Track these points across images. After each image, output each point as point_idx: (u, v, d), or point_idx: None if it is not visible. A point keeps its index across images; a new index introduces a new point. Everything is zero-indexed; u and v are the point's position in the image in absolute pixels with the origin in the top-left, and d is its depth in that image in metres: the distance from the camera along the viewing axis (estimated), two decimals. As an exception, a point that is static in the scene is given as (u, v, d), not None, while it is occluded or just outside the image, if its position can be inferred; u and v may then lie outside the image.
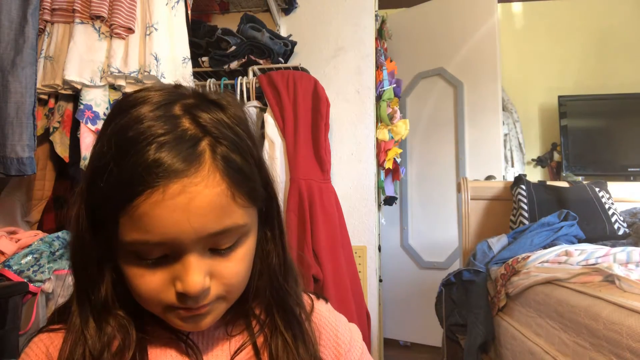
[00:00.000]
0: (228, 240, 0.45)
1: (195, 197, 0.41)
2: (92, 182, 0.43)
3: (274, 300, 0.53)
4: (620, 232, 1.65)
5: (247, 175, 0.45)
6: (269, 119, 1.80)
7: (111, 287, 0.47)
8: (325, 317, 0.57)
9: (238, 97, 1.84)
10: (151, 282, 0.44)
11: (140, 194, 0.40)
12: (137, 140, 0.41)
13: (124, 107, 0.44)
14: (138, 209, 0.40)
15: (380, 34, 2.51)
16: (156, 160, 0.40)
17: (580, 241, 1.58)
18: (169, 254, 0.43)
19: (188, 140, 0.42)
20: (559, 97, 3.19)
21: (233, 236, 0.45)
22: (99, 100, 1.36)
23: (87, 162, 1.31)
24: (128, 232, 0.42)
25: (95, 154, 0.44)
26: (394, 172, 2.37)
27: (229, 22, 2.26)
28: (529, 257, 1.36)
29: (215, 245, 0.44)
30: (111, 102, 1.38)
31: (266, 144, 1.77)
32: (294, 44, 2.08)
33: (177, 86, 0.49)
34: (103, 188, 0.42)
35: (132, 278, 0.44)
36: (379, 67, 2.31)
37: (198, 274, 0.43)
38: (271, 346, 0.51)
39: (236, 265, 0.46)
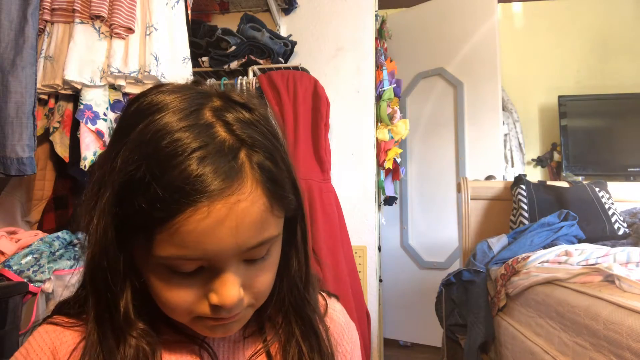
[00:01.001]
0: (263, 251, 0.45)
1: (240, 214, 0.40)
2: (123, 194, 0.41)
3: (292, 308, 0.53)
4: (620, 232, 1.65)
5: (281, 185, 0.45)
6: (269, 119, 1.80)
7: (131, 299, 0.45)
8: (341, 325, 0.58)
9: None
10: (185, 294, 0.43)
11: (183, 211, 0.39)
12: (174, 153, 0.39)
13: (146, 112, 0.42)
14: (180, 226, 0.39)
15: (380, 34, 2.51)
16: (199, 177, 0.39)
17: (580, 241, 1.58)
18: (206, 267, 0.42)
19: (227, 152, 0.41)
20: (559, 97, 3.19)
21: (267, 247, 0.45)
22: (99, 100, 1.36)
23: (87, 161, 1.31)
24: (165, 247, 0.40)
25: (124, 163, 0.41)
26: (394, 172, 2.37)
27: (229, 22, 2.26)
28: (529, 257, 1.36)
29: (251, 257, 0.44)
30: (111, 102, 1.38)
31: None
32: (294, 44, 2.08)
33: (196, 82, 0.49)
34: (138, 202, 0.39)
35: (163, 290, 0.43)
36: (379, 67, 2.31)
37: (235, 287, 0.43)
38: (287, 355, 0.51)
39: (266, 275, 0.47)
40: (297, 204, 0.49)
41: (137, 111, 0.43)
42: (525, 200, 1.82)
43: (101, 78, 1.36)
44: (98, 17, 1.35)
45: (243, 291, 0.44)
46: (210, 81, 1.90)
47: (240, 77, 1.88)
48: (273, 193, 0.43)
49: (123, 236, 0.42)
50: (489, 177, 2.32)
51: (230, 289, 0.42)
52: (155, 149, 0.39)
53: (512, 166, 3.19)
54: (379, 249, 2.31)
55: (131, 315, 0.45)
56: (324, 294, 0.59)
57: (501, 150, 2.75)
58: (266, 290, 0.48)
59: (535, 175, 3.37)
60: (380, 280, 2.39)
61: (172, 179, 0.38)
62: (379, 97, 2.28)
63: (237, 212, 0.40)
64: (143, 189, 0.39)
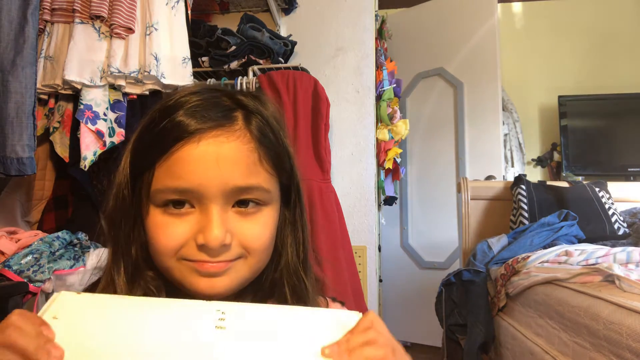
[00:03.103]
0: (251, 198, 0.47)
1: (226, 150, 0.46)
2: (138, 138, 0.49)
3: (291, 295, 0.52)
4: (620, 232, 1.65)
5: (274, 145, 0.49)
6: (269, 119, 1.80)
7: (141, 248, 0.49)
8: None
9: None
10: (174, 232, 0.46)
11: (179, 141, 0.45)
12: (180, 104, 0.47)
13: (171, 94, 0.51)
14: (174, 156, 0.45)
15: (380, 34, 2.51)
16: (195, 113, 0.46)
17: (580, 241, 1.58)
18: (196, 206, 0.46)
19: (225, 106, 0.48)
20: (559, 97, 3.19)
21: (257, 197, 0.48)
22: (99, 100, 1.36)
23: (87, 161, 1.31)
24: (162, 179, 0.46)
25: (144, 121, 0.49)
26: (394, 172, 2.37)
27: (229, 22, 2.26)
28: (529, 257, 1.36)
29: (239, 197, 0.47)
30: (111, 102, 1.38)
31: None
32: (294, 44, 2.08)
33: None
34: (146, 140, 0.48)
35: (156, 228, 0.46)
36: (379, 67, 2.31)
37: (220, 227, 0.45)
38: None
39: (258, 228, 0.48)
40: (291, 173, 0.53)
41: (165, 97, 0.52)
42: (525, 200, 1.82)
43: (101, 78, 1.36)
44: (98, 17, 1.35)
45: (232, 238, 0.46)
46: (210, 81, 1.90)
47: (240, 77, 1.88)
48: (263, 145, 0.48)
49: (135, 177, 0.49)
50: (489, 177, 2.32)
51: (215, 228, 0.44)
52: (166, 104, 0.48)
53: (512, 166, 3.19)
54: (379, 249, 2.31)
55: (140, 263, 0.49)
56: (328, 299, 0.59)
57: (501, 150, 2.75)
58: (260, 248, 0.48)
59: (535, 175, 3.37)
60: (380, 280, 2.39)
61: (173, 120, 0.46)
62: (379, 97, 2.28)
63: (224, 147, 0.46)
64: (150, 130, 0.47)
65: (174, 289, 0.49)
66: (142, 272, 0.49)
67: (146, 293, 0.48)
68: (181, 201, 0.46)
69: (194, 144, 0.45)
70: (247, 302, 0.48)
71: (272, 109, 0.52)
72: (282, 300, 0.52)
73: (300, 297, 0.52)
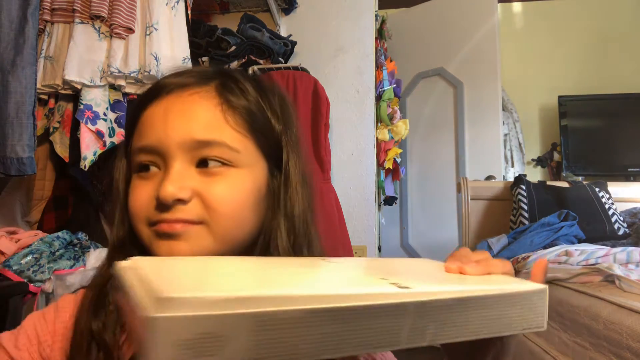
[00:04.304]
0: (215, 155, 0.44)
1: (188, 103, 0.45)
2: (127, 126, 0.50)
3: None
4: (620, 232, 1.65)
5: (250, 110, 0.47)
6: (269, 119, 1.80)
7: (128, 231, 0.48)
8: None
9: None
10: (140, 194, 0.45)
11: (150, 103, 0.46)
12: (162, 77, 0.49)
13: None
14: (144, 118, 0.46)
15: (380, 34, 2.51)
16: (170, 80, 0.47)
17: (580, 241, 1.58)
18: (161, 166, 0.45)
19: (201, 73, 0.48)
20: (559, 97, 3.19)
21: (221, 154, 0.45)
22: (99, 100, 1.36)
23: (87, 161, 1.31)
24: (134, 142, 0.47)
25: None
26: (394, 172, 2.37)
27: (229, 22, 2.26)
28: (529, 257, 1.36)
29: (201, 157, 0.44)
30: (111, 102, 1.38)
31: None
32: (294, 43, 2.08)
33: None
34: (133, 113, 0.48)
35: (131, 197, 0.46)
36: (379, 67, 2.31)
37: (175, 181, 0.43)
38: None
39: (223, 188, 0.44)
40: (278, 143, 0.50)
41: None
42: (525, 201, 1.82)
43: (101, 78, 1.36)
44: (98, 17, 1.35)
45: (190, 195, 0.43)
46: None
47: (240, 77, 1.88)
48: (230, 104, 0.46)
49: (127, 159, 0.49)
50: (489, 177, 2.32)
51: (169, 181, 0.43)
52: (150, 87, 0.49)
53: (512, 166, 3.19)
54: (379, 249, 2.31)
55: (126, 243, 0.48)
56: None
57: (501, 150, 2.75)
58: (221, 207, 0.44)
59: (535, 175, 3.37)
60: (380, 280, 2.38)
61: (149, 89, 0.48)
62: (379, 97, 2.28)
63: (186, 101, 0.45)
64: (134, 107, 0.49)
65: None
66: (126, 249, 0.48)
67: None
68: (150, 164, 0.46)
69: (160, 103, 0.46)
70: None
71: (272, 94, 0.51)
72: None
73: None
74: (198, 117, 0.45)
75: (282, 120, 0.50)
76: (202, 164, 0.45)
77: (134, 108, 0.49)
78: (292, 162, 0.50)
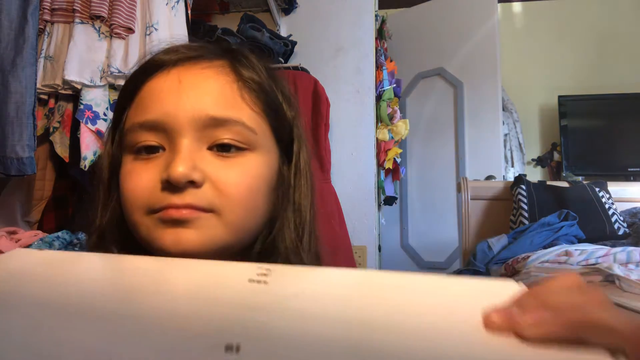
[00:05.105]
0: (230, 137, 0.40)
1: (200, 78, 0.40)
2: (119, 100, 0.45)
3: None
4: (620, 232, 1.65)
5: (264, 88, 0.43)
6: (269, 119, 1.80)
7: (110, 220, 0.44)
8: None
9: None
10: (141, 178, 0.40)
11: (152, 75, 0.41)
12: (166, 48, 0.45)
13: None
14: (142, 90, 0.41)
15: (380, 34, 2.51)
16: (175, 49, 0.42)
17: (580, 241, 1.58)
18: (166, 146, 0.40)
19: (210, 49, 0.44)
20: (559, 97, 3.19)
21: (237, 135, 0.40)
22: (99, 100, 1.36)
23: (87, 161, 1.31)
24: (132, 117, 0.41)
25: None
26: (394, 172, 2.37)
27: (229, 22, 2.26)
28: (529, 257, 1.36)
29: (216, 140, 0.40)
30: (111, 102, 1.38)
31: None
32: (294, 43, 2.08)
33: None
34: (129, 87, 0.43)
35: (124, 177, 0.41)
36: (379, 67, 2.31)
37: (187, 158, 0.38)
38: None
39: (237, 175, 0.40)
40: (290, 126, 0.46)
41: None
42: (525, 200, 1.82)
43: (101, 78, 1.36)
44: (98, 17, 1.35)
45: (203, 178, 0.39)
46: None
47: (240, 77, 1.88)
48: (246, 80, 0.42)
49: (116, 132, 0.44)
50: (489, 177, 2.32)
51: (180, 160, 0.38)
52: (149, 58, 0.44)
53: (512, 166, 3.19)
54: (379, 249, 2.31)
55: (106, 236, 0.44)
56: None
57: (501, 150, 2.75)
58: (237, 199, 0.40)
59: (535, 175, 3.37)
60: (380, 280, 2.38)
61: (147, 59, 0.43)
62: (379, 97, 2.28)
63: (198, 75, 0.41)
64: (130, 81, 0.43)
65: None
66: (106, 245, 0.43)
67: None
68: (155, 147, 0.40)
69: (165, 74, 0.41)
70: None
71: (282, 78, 0.48)
72: None
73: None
74: (213, 92, 0.40)
75: (294, 106, 0.47)
76: (217, 147, 0.40)
77: (130, 81, 0.43)
78: (302, 154, 0.47)
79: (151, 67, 0.42)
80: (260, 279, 0.29)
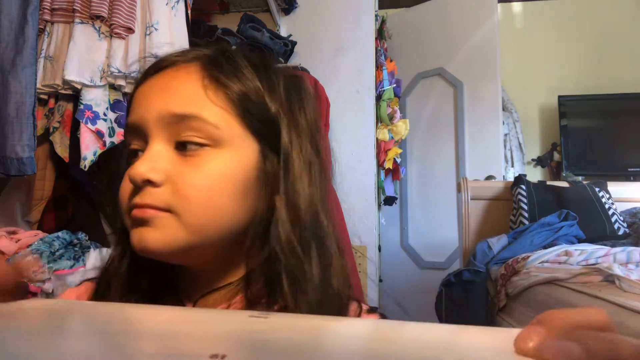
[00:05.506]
0: (192, 134, 0.41)
1: (170, 79, 0.44)
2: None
3: (289, 286, 0.41)
4: (620, 232, 1.65)
5: (233, 83, 0.43)
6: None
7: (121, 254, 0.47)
8: None
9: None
10: (126, 179, 0.42)
11: (142, 83, 0.45)
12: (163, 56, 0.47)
13: None
14: (134, 97, 0.45)
15: (380, 34, 2.51)
16: (162, 59, 0.46)
17: (580, 241, 1.58)
18: (144, 145, 0.43)
19: (193, 51, 0.47)
20: (559, 97, 3.19)
21: (199, 132, 0.41)
22: (99, 100, 1.36)
23: (87, 161, 1.31)
24: (126, 124, 0.45)
25: None
26: (394, 172, 2.37)
27: (229, 22, 2.26)
28: (529, 257, 1.36)
29: (179, 137, 0.41)
30: (111, 102, 1.38)
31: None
32: (294, 43, 2.08)
33: None
34: (131, 95, 0.47)
35: (121, 186, 0.43)
36: (379, 67, 2.31)
37: (148, 160, 0.40)
38: None
39: (198, 177, 0.40)
40: (273, 115, 0.44)
41: None
42: (525, 200, 1.82)
43: (101, 78, 1.36)
44: (98, 17, 1.35)
45: (163, 179, 0.40)
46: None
47: (240, 77, 1.88)
48: (212, 76, 0.43)
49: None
50: (489, 177, 2.32)
51: (142, 161, 0.40)
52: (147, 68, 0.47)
53: (512, 166, 3.19)
54: (379, 249, 2.31)
55: (123, 237, 0.46)
56: (363, 306, 0.47)
57: (501, 150, 2.75)
58: (190, 195, 0.40)
59: (535, 175, 3.37)
60: (381, 280, 2.39)
61: (146, 69, 0.46)
62: (379, 97, 2.28)
63: (168, 77, 0.44)
64: (132, 90, 0.47)
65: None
66: (122, 243, 0.46)
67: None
68: (137, 149, 0.44)
69: (148, 82, 0.45)
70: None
71: (275, 73, 0.47)
72: (279, 295, 0.41)
73: (305, 291, 0.40)
74: (177, 91, 0.42)
75: (286, 100, 0.46)
76: (180, 146, 0.41)
77: (132, 90, 0.48)
78: (294, 145, 0.45)
79: (144, 75, 0.46)
80: (260, 315, 0.30)
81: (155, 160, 0.41)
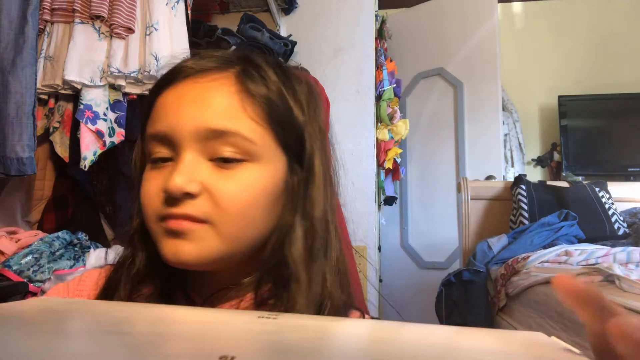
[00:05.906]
0: (230, 150, 0.41)
1: (203, 90, 0.42)
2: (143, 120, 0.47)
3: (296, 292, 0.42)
4: (620, 232, 1.65)
5: (268, 97, 0.43)
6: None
7: (140, 223, 0.46)
8: None
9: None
10: (151, 185, 0.42)
11: (166, 88, 0.44)
12: (184, 59, 0.46)
13: None
14: (157, 102, 0.44)
15: (380, 34, 2.51)
16: (188, 64, 0.44)
17: (580, 241, 1.58)
18: (173, 155, 0.42)
19: (223, 58, 0.45)
20: (559, 97, 3.19)
21: (236, 148, 0.41)
22: (99, 100, 1.36)
23: (87, 161, 1.31)
24: (148, 129, 0.44)
25: None
26: (394, 172, 2.37)
27: (229, 22, 2.26)
28: (529, 257, 1.36)
29: (216, 152, 0.41)
30: (111, 102, 1.38)
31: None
32: (294, 43, 2.08)
33: None
34: (149, 98, 0.46)
35: (143, 184, 0.43)
36: (379, 67, 2.31)
37: (183, 173, 0.40)
38: None
39: (234, 188, 0.41)
40: (301, 136, 0.46)
41: None
42: (525, 200, 1.82)
43: (101, 78, 1.36)
44: (98, 17, 1.35)
45: (200, 190, 0.41)
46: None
47: (240, 77, 1.88)
48: (249, 92, 0.43)
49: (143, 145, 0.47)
50: (489, 177, 2.32)
51: (178, 173, 0.40)
52: (168, 70, 0.46)
53: (512, 166, 3.19)
54: (379, 249, 2.31)
55: (136, 238, 0.47)
56: (367, 316, 0.51)
57: (501, 150, 2.75)
58: (229, 205, 0.41)
59: (535, 175, 3.37)
60: (380, 280, 2.39)
61: (170, 71, 0.45)
62: (379, 97, 2.28)
63: (202, 88, 0.42)
64: (150, 92, 0.46)
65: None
66: (135, 244, 0.47)
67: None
68: (169, 158, 0.43)
69: (176, 88, 0.43)
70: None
71: (298, 82, 0.48)
72: (285, 298, 0.42)
73: (309, 295, 0.42)
74: (214, 105, 0.42)
75: (308, 111, 0.47)
76: (216, 159, 0.42)
77: (150, 92, 0.46)
78: (316, 157, 0.46)
79: (166, 80, 0.44)
80: (270, 316, 0.30)
81: (191, 172, 0.41)
